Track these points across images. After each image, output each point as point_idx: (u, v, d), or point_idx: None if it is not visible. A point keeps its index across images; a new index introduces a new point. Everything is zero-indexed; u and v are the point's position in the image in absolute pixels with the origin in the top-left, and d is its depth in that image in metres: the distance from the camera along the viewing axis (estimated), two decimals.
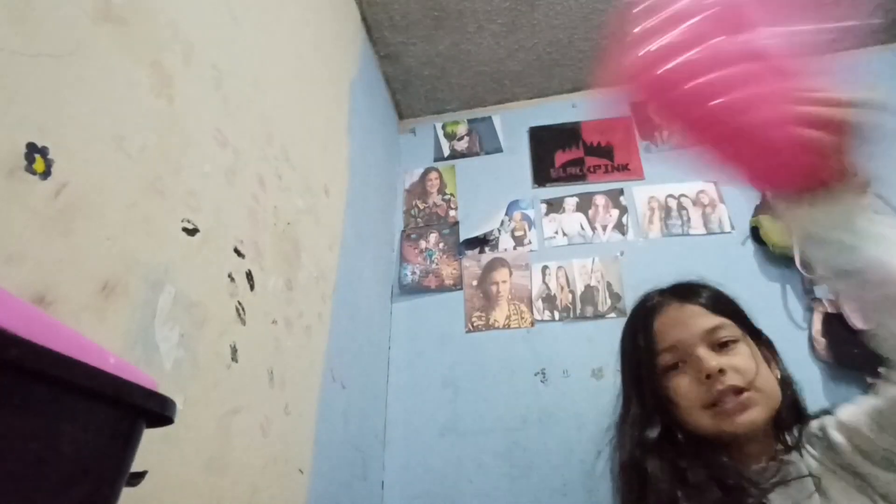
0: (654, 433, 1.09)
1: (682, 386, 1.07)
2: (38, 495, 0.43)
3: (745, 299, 2.10)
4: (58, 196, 0.72)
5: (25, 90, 0.69)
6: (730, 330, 1.09)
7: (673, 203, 2.38)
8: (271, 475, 1.19)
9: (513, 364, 2.17)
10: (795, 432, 1.05)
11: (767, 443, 1.05)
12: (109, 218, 0.81)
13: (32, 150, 0.68)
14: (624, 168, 2.53)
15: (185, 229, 0.99)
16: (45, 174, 0.70)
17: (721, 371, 1.02)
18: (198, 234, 1.02)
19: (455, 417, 2.12)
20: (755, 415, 1.01)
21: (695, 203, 2.35)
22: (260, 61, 1.38)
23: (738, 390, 1.02)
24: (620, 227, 2.38)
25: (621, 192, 2.47)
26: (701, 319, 1.10)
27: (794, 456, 1.02)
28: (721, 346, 1.07)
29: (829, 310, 1.95)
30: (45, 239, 0.69)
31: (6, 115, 0.66)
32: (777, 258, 2.11)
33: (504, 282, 2.36)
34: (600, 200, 2.47)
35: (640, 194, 2.44)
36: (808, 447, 1.02)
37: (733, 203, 2.32)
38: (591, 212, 2.45)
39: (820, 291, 2.01)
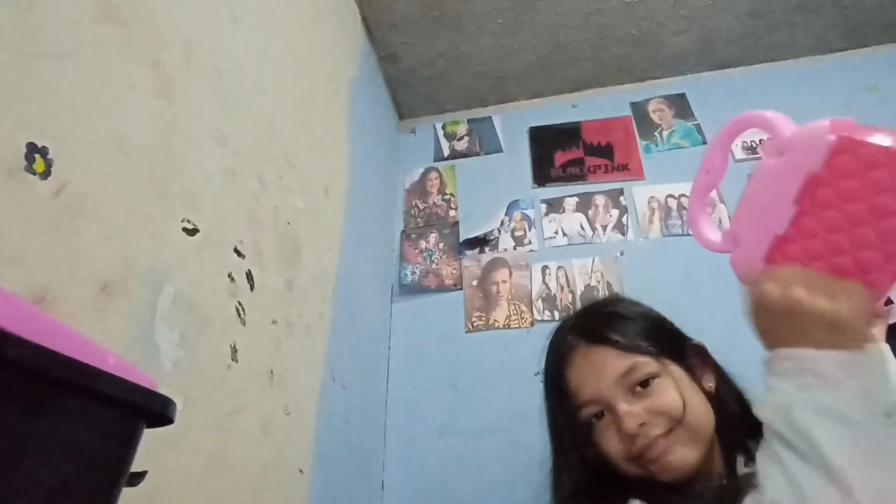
0: (587, 478, 1.06)
1: (608, 440, 1.01)
2: (37, 495, 0.43)
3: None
4: (58, 196, 0.72)
5: (25, 90, 0.69)
6: (646, 367, 1.01)
7: (673, 203, 2.38)
8: (271, 475, 1.19)
9: (513, 364, 2.16)
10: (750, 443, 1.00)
11: (716, 461, 1.00)
12: (109, 218, 0.81)
13: (32, 150, 0.68)
14: (624, 168, 2.53)
15: (185, 229, 0.99)
16: (45, 174, 0.70)
17: (642, 425, 0.96)
18: (198, 234, 1.02)
19: (455, 417, 2.12)
20: (686, 457, 0.95)
21: None
22: (260, 61, 1.38)
23: (667, 431, 0.96)
24: (620, 227, 2.38)
25: (621, 192, 2.47)
26: (612, 364, 1.02)
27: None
28: (641, 386, 1.00)
29: None
30: (45, 239, 0.69)
31: (6, 115, 0.66)
32: None
33: (504, 282, 2.36)
34: (600, 200, 2.47)
35: (640, 194, 2.44)
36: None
37: (733, 203, 2.31)
38: (591, 212, 2.45)
39: None
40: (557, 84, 2.78)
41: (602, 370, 1.02)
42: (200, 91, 1.10)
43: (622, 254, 2.31)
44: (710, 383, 1.07)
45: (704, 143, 2.50)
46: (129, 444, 0.53)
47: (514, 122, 2.80)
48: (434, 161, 2.79)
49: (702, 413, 0.99)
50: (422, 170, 2.77)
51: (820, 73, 2.57)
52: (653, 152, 2.55)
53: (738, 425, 1.03)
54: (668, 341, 1.08)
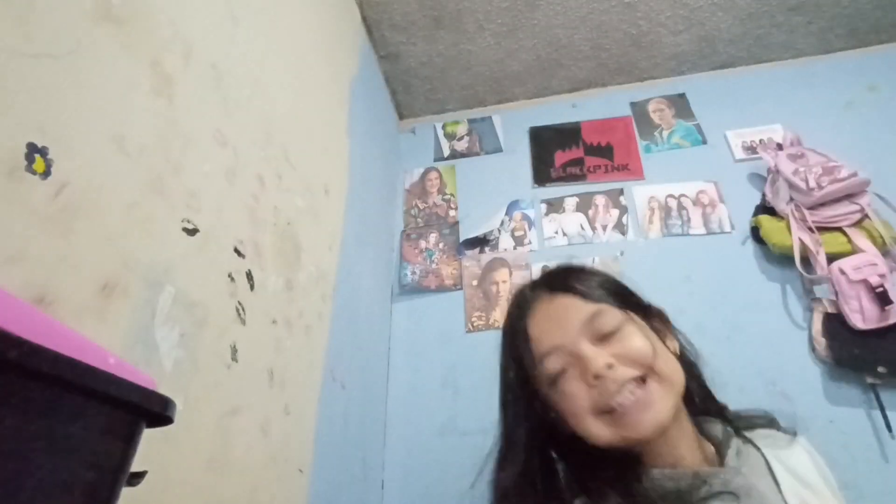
0: (539, 457, 0.95)
1: (573, 393, 0.89)
2: (38, 495, 0.43)
3: (745, 299, 2.12)
4: (58, 196, 0.72)
5: (25, 90, 0.69)
6: (612, 314, 0.92)
7: (673, 203, 2.38)
8: (271, 475, 1.19)
9: None
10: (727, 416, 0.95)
11: (688, 437, 0.91)
12: (109, 218, 0.81)
13: (32, 150, 0.68)
14: (624, 168, 2.53)
15: (185, 229, 0.99)
16: (45, 174, 0.70)
17: (610, 366, 0.86)
18: (198, 234, 1.02)
19: (455, 417, 2.12)
20: (661, 409, 0.84)
21: (695, 203, 2.35)
22: (260, 61, 1.38)
23: (637, 381, 0.86)
24: (620, 227, 2.38)
25: (621, 191, 2.47)
26: (576, 310, 0.93)
27: (733, 444, 0.90)
28: (607, 336, 0.90)
29: (829, 310, 1.95)
30: (45, 239, 0.69)
31: (6, 115, 0.66)
32: (777, 258, 2.11)
33: (504, 282, 2.36)
34: (600, 200, 2.47)
35: (640, 194, 2.44)
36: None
37: (733, 203, 2.32)
38: (591, 212, 2.45)
39: (820, 291, 2.01)
40: (557, 84, 2.78)
41: (565, 316, 0.93)
42: (200, 91, 1.10)
43: (622, 254, 2.31)
44: (673, 344, 0.98)
45: (704, 142, 2.51)
46: (129, 444, 0.53)
47: (514, 122, 2.81)
48: (434, 161, 2.79)
49: (672, 364, 0.90)
50: (422, 170, 2.78)
51: (820, 73, 2.57)
52: (653, 152, 2.55)
53: (709, 394, 0.99)
54: (632, 298, 1.01)
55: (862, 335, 1.87)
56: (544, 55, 2.61)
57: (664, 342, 0.94)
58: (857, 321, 1.86)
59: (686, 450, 0.89)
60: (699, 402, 0.97)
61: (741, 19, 2.46)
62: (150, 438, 0.56)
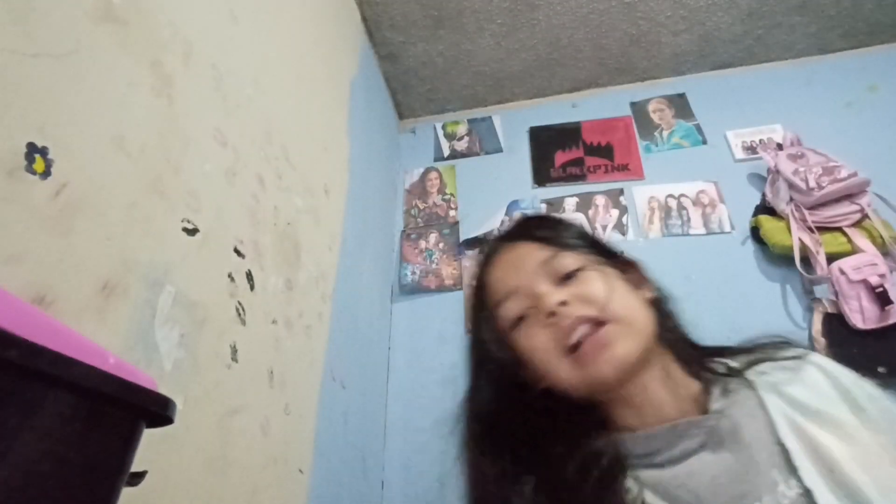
0: (503, 405, 0.92)
1: (534, 335, 0.86)
2: (38, 495, 0.43)
3: (745, 299, 2.12)
4: (58, 196, 0.72)
5: (25, 90, 0.69)
6: (571, 258, 0.90)
7: (673, 203, 2.38)
8: (271, 475, 1.19)
9: None
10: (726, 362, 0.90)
11: (665, 385, 0.86)
12: (109, 218, 0.81)
13: (32, 150, 0.68)
14: (624, 168, 2.53)
15: (185, 229, 0.99)
16: (45, 174, 0.70)
17: (564, 303, 0.83)
18: (198, 234, 1.02)
19: (455, 413, 2.12)
20: (620, 350, 0.80)
21: (695, 203, 2.36)
22: (260, 61, 1.38)
23: (593, 322, 0.82)
24: (620, 228, 2.38)
25: (621, 192, 2.47)
26: (534, 255, 0.91)
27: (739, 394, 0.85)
28: (566, 278, 0.87)
29: (829, 310, 1.95)
30: (45, 239, 0.69)
31: (6, 115, 0.66)
32: (777, 258, 2.11)
33: None
34: (600, 200, 2.47)
35: (640, 194, 2.45)
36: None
37: (733, 203, 2.32)
38: (591, 212, 2.45)
39: (820, 291, 2.01)
40: (557, 84, 2.78)
41: (523, 261, 0.91)
42: (200, 91, 1.10)
43: (622, 253, 2.31)
44: (648, 293, 0.94)
45: (704, 142, 2.51)
46: (129, 444, 0.53)
47: (514, 122, 2.81)
48: (434, 161, 2.80)
49: (633, 310, 0.86)
50: (422, 170, 2.78)
51: (820, 73, 2.57)
52: (653, 152, 2.55)
53: (686, 339, 0.95)
54: (601, 247, 0.98)
55: (862, 335, 1.87)
56: (544, 55, 2.62)
57: (636, 290, 0.91)
58: (857, 321, 1.86)
59: (665, 398, 0.85)
60: (679, 348, 0.92)
61: (741, 19, 2.46)
62: (150, 438, 0.56)
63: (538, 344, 0.85)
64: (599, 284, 0.85)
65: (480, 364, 0.96)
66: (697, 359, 0.91)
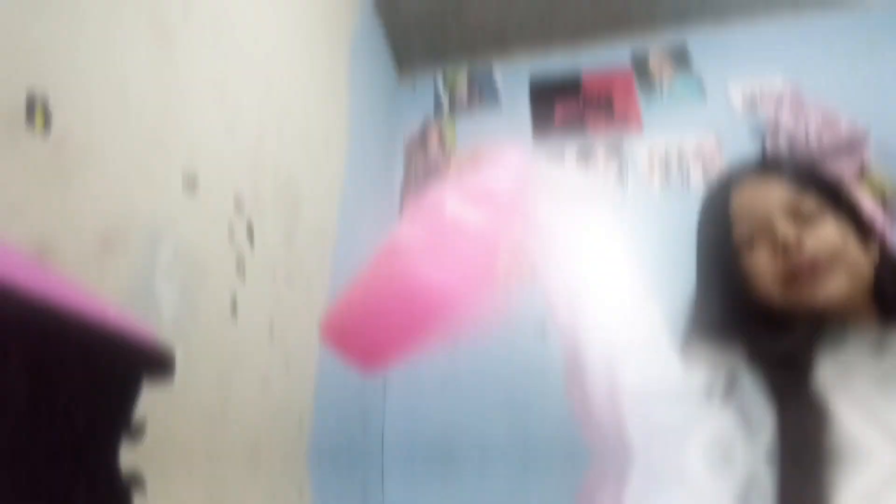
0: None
1: (757, 259, 0.96)
2: (40, 448, 0.44)
3: None
4: (58, 148, 0.72)
5: (25, 42, 0.69)
6: (815, 202, 0.97)
7: (673, 155, 2.36)
8: (272, 427, 1.21)
9: (514, 319, 2.17)
10: None
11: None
12: (109, 170, 0.81)
13: (33, 101, 0.68)
14: (624, 120, 2.51)
15: (185, 182, 0.99)
16: (46, 126, 0.70)
17: (800, 241, 0.91)
18: (198, 187, 1.02)
19: (455, 368, 2.14)
20: (835, 284, 0.88)
21: (695, 155, 2.34)
22: (260, 13, 1.36)
23: (819, 265, 0.90)
24: (621, 180, 2.37)
25: (621, 144, 2.45)
26: (781, 191, 0.99)
27: None
28: (804, 220, 0.95)
29: None
30: (45, 191, 0.69)
31: (6, 67, 0.66)
32: None
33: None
34: (600, 153, 2.45)
35: (640, 147, 2.43)
36: None
37: (733, 156, 2.30)
38: (590, 163, 2.43)
39: None
40: (558, 35, 2.74)
41: (769, 194, 1.00)
42: (200, 43, 1.09)
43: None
44: (874, 252, 0.99)
45: (705, 95, 2.48)
46: (129, 396, 0.54)
47: (514, 75, 2.77)
48: (434, 114, 2.77)
49: (862, 259, 0.93)
50: (422, 123, 2.75)
51: (822, 25, 2.53)
52: (653, 104, 2.52)
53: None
54: (843, 199, 1.04)
55: None
56: (545, 5, 2.57)
57: (865, 247, 0.97)
58: None
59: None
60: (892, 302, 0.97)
61: None
62: (150, 392, 0.57)
63: (760, 266, 0.95)
64: (836, 234, 0.92)
65: (707, 278, 1.08)
66: None
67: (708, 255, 1.09)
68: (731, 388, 0.94)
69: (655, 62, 2.63)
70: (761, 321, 0.96)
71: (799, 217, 0.95)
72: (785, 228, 0.93)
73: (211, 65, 1.12)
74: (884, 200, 1.93)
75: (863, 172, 2.00)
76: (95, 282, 0.76)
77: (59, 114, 0.72)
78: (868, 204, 1.93)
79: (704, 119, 2.42)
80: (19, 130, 0.67)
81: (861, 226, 1.01)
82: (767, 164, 1.08)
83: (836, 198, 1.01)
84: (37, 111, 0.69)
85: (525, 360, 2.08)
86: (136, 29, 0.90)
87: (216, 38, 1.15)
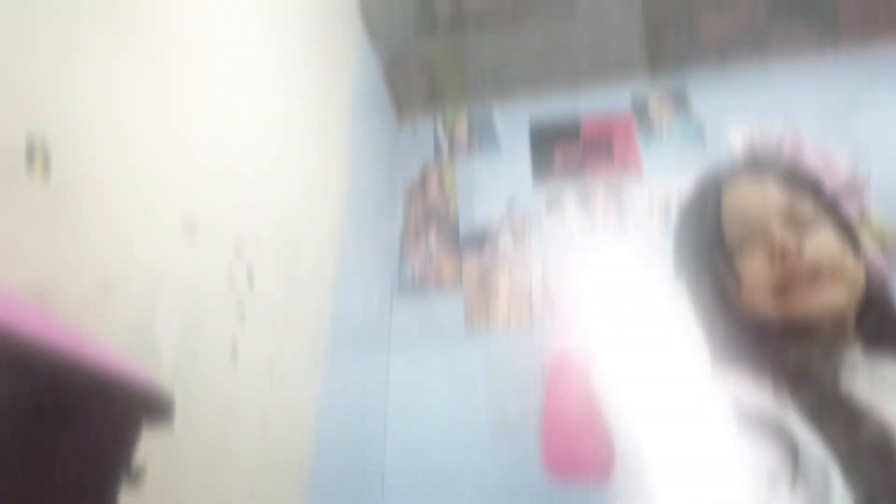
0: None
1: (751, 265, 0.89)
2: (39, 493, 0.43)
3: None
4: (58, 192, 0.72)
5: (26, 88, 0.69)
6: (812, 207, 0.92)
7: (673, 200, 2.37)
8: (271, 473, 1.19)
9: (513, 364, 2.16)
10: None
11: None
12: (109, 214, 0.81)
13: (32, 145, 0.68)
14: (624, 165, 2.52)
15: (185, 226, 0.99)
16: (46, 170, 0.70)
17: (798, 249, 0.85)
18: (198, 231, 1.02)
19: (455, 416, 2.12)
20: (833, 294, 0.83)
21: None
22: (260, 57, 1.38)
23: (820, 274, 0.84)
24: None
25: (621, 187, 2.46)
26: (777, 192, 0.93)
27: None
28: (801, 225, 0.90)
29: None
30: (45, 235, 0.69)
31: (7, 113, 0.66)
32: None
33: (504, 280, 2.35)
34: (600, 197, 2.46)
35: (640, 192, 2.44)
36: None
37: None
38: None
39: None
40: (558, 80, 2.77)
41: (765, 194, 0.94)
42: (199, 90, 1.10)
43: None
44: (862, 261, 0.94)
45: (704, 140, 2.50)
46: (128, 442, 0.53)
47: (513, 119, 2.79)
48: (434, 158, 2.78)
49: (859, 272, 0.89)
50: (421, 167, 2.76)
51: (821, 71, 2.56)
52: (653, 149, 2.54)
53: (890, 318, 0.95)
54: (835, 204, 1.00)
55: None
56: (545, 50, 2.61)
57: (857, 259, 0.91)
58: None
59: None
60: (876, 324, 0.92)
61: (742, 15, 2.45)
62: (150, 436, 0.56)
63: (754, 272, 0.88)
64: (834, 242, 0.88)
65: (697, 267, 0.99)
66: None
67: (696, 262, 1.00)
68: (795, 465, 0.84)
69: (655, 106, 2.66)
70: (759, 335, 0.89)
71: (795, 222, 0.90)
72: (783, 233, 0.87)
73: (211, 109, 1.13)
74: (884, 246, 1.93)
75: (863, 217, 2.00)
76: (95, 326, 0.75)
77: (59, 158, 0.72)
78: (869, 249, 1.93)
79: (704, 163, 2.43)
80: (19, 175, 0.66)
81: (854, 237, 0.97)
82: (758, 163, 1.03)
83: (830, 205, 0.97)
84: (37, 156, 0.69)
85: (526, 405, 2.06)
86: (136, 73, 0.91)
87: (216, 83, 1.16)
